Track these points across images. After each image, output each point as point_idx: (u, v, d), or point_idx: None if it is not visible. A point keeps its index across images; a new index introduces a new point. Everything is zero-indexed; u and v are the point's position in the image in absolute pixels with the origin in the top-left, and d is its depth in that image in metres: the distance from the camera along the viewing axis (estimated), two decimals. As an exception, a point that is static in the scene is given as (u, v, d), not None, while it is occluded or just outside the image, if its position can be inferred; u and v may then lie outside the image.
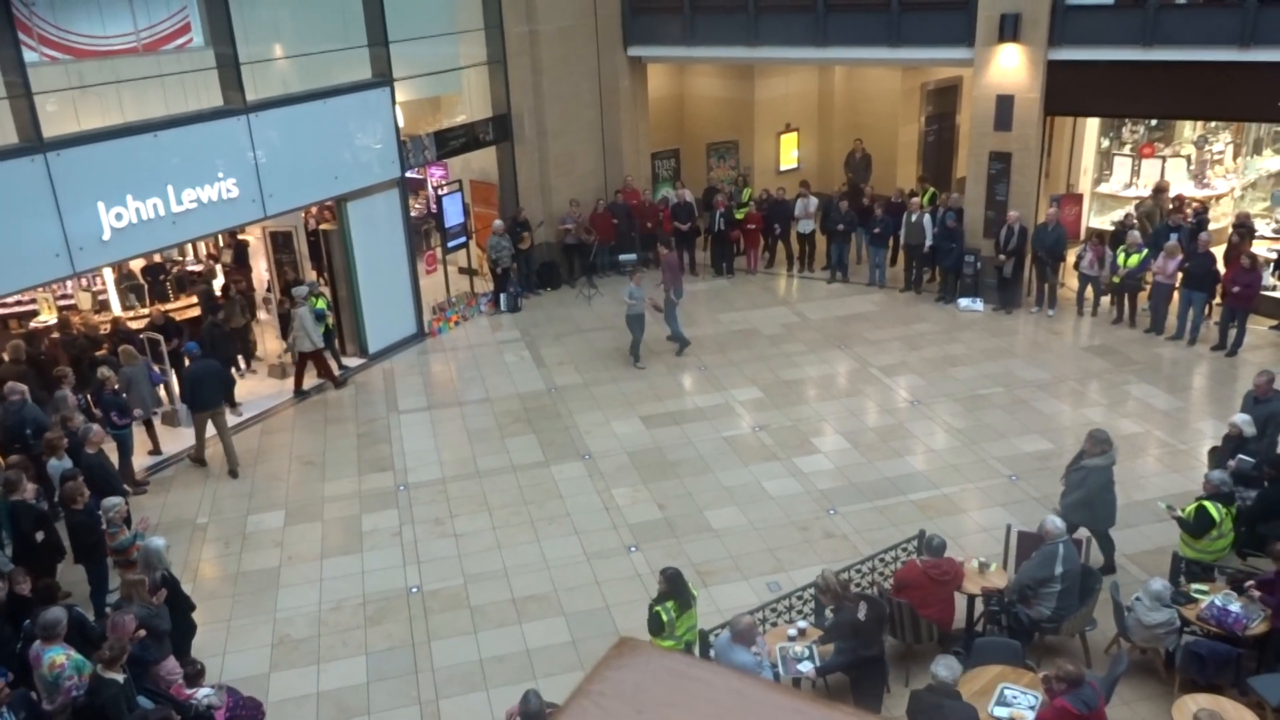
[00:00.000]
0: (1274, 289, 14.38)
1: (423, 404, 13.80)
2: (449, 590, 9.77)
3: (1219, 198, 16.93)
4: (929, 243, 16.19)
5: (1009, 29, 14.56)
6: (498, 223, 16.64)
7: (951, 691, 6.72)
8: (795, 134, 20.79)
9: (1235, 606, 7.85)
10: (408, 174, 15.66)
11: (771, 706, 4.08)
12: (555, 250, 17.93)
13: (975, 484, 11.11)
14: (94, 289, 14.67)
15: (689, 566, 9.67)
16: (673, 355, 14.72)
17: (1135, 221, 15.37)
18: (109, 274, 14.51)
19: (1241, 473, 9.23)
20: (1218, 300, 14.07)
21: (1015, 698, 7.17)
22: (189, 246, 15.51)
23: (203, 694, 7.54)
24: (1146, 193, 16.89)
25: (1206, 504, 8.54)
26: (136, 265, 14.71)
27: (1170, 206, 15.64)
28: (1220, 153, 17.32)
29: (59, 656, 7.23)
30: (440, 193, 16.61)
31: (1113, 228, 16.07)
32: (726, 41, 17.17)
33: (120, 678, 7.00)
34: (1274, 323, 14.28)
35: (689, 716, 4.00)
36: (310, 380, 14.14)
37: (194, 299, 15.19)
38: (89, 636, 7.65)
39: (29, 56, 11.08)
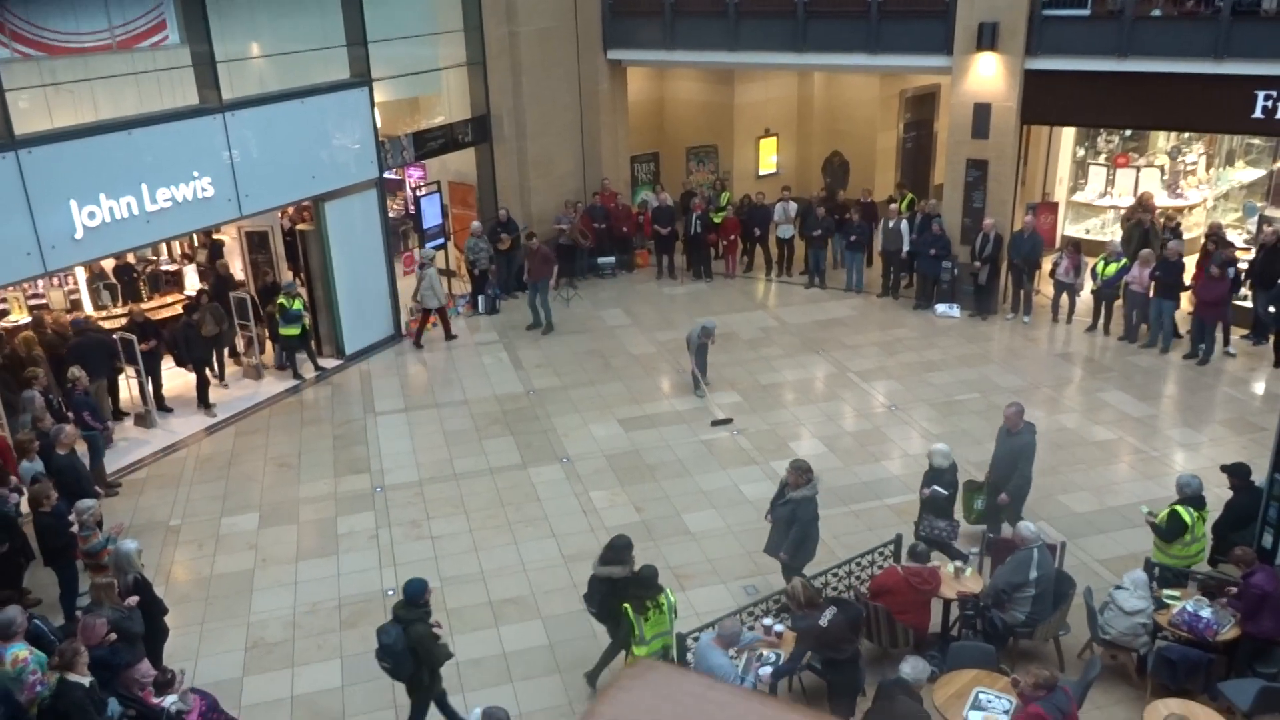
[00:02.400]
0: (1245, 299, 14.56)
1: (400, 405, 13.73)
2: (425, 594, 9.72)
3: (1191, 208, 17.16)
4: (906, 248, 16.30)
5: (986, 38, 14.68)
6: (476, 224, 16.59)
7: (912, 691, 6.76)
8: (774, 139, 20.86)
9: (1206, 613, 7.94)
10: (386, 175, 15.57)
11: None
12: (534, 252, 17.89)
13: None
14: (66, 288, 14.50)
15: (666, 569, 9.65)
16: (661, 361, 14.75)
17: (1151, 230, 15.31)
18: (81, 273, 14.35)
19: (935, 502, 9.29)
20: (1189, 309, 14.25)
21: (990, 702, 7.22)
22: (163, 246, 15.35)
23: (169, 701, 7.46)
24: (1122, 202, 17.11)
25: (1179, 509, 8.62)
26: (109, 264, 14.54)
27: (1148, 215, 15.72)
28: (1193, 163, 17.55)
29: (21, 652, 7.15)
30: (418, 194, 16.54)
31: (1087, 236, 16.18)
32: (706, 46, 17.21)
33: (86, 680, 6.92)
34: (1244, 332, 14.46)
35: None
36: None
37: (168, 299, 15.04)
38: (46, 649, 7.52)
39: (0, 53, 10.94)
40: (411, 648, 7.39)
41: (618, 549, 8.17)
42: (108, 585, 7.81)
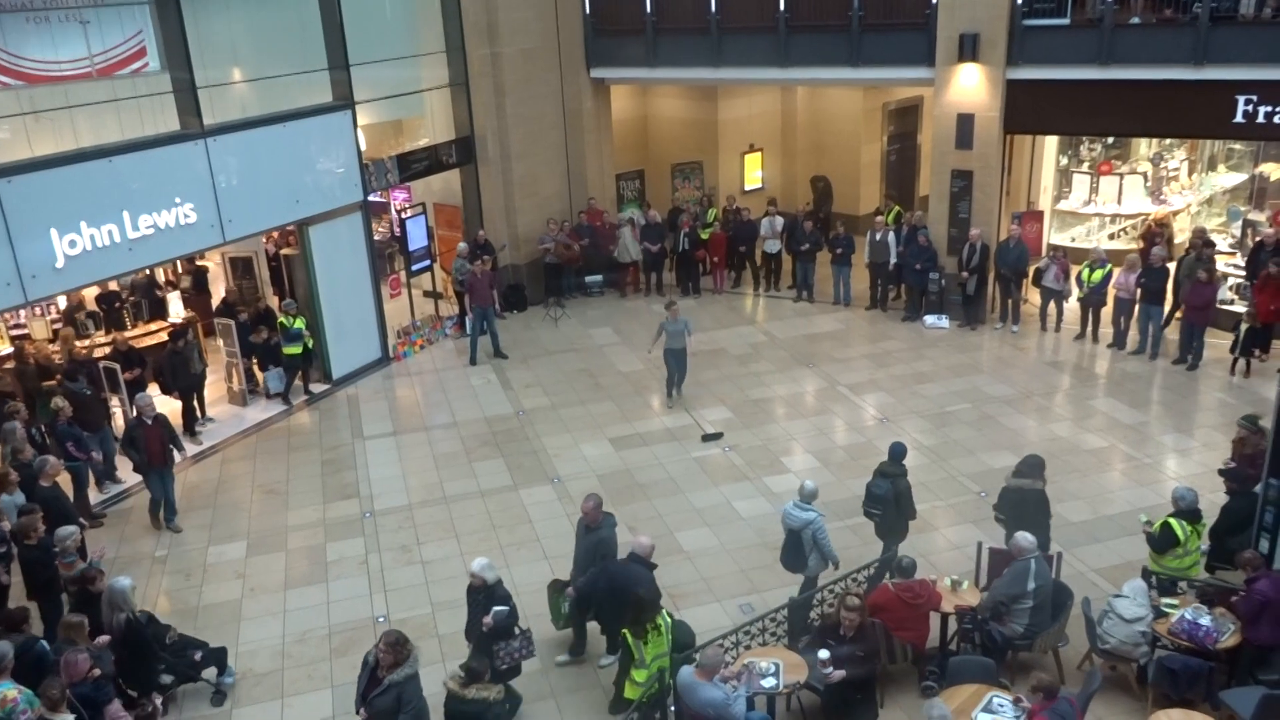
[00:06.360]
0: (1232, 303, 14.58)
1: (388, 429, 13.61)
2: (417, 619, 9.58)
3: (1176, 213, 17.21)
4: (893, 261, 16.30)
5: (968, 49, 14.73)
6: (462, 245, 16.52)
7: None
8: (759, 154, 20.89)
9: (1206, 620, 7.87)
10: (370, 197, 15.51)
11: None
12: (522, 273, 17.83)
13: (945, 501, 11.12)
14: (48, 317, 14.37)
15: (662, 589, 9.54)
16: (650, 379, 14.69)
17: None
18: (63, 302, 14.21)
19: (499, 623, 7.88)
20: (1178, 315, 14.25)
21: (1001, 705, 7.19)
22: (145, 272, 15.22)
23: None
24: (1106, 209, 17.16)
25: (1171, 521, 8.53)
26: (90, 293, 14.40)
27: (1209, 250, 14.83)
28: (1176, 169, 17.62)
29: (10, 691, 7.01)
30: (404, 216, 16.48)
31: (1072, 244, 16.08)
32: (689, 63, 17.23)
33: (70, 718, 6.78)
34: (1234, 337, 14.43)
35: None
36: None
37: (153, 326, 14.87)
38: (46, 671, 7.39)
39: (-21, 82, 10.88)
40: (896, 498, 8.97)
41: (1033, 464, 9.09)
42: (78, 624, 7.68)
